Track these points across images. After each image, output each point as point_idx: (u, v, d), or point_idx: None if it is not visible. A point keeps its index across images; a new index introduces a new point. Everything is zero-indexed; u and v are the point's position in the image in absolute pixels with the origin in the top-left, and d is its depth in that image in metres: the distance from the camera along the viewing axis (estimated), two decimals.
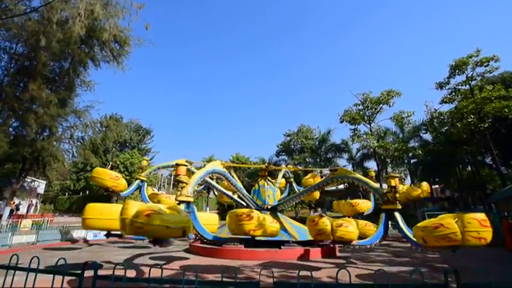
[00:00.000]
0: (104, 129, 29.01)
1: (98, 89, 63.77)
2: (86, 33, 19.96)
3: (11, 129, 20.47)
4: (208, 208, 37.68)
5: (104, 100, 66.40)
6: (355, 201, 14.06)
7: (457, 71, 24.09)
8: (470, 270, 7.21)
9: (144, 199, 12.22)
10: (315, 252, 11.27)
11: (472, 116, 22.24)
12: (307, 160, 32.68)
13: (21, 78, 20.21)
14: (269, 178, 16.41)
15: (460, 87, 24.74)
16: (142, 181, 12.96)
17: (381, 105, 28.44)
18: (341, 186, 39.85)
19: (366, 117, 29.29)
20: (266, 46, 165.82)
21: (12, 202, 21.06)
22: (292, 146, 35.38)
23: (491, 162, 28.48)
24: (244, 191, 13.76)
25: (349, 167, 32.60)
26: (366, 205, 13.82)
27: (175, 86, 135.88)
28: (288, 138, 36.04)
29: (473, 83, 23.93)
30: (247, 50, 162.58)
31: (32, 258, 3.01)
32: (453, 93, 25.30)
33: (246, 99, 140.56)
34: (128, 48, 22.64)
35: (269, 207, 13.94)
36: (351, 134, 29.77)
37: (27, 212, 26.50)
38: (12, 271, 2.98)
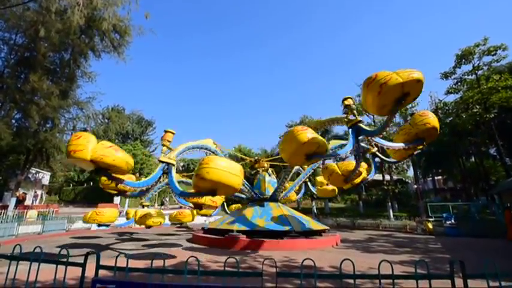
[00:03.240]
0: (106, 121, 29.03)
1: (99, 80, 63.38)
2: (86, 23, 19.67)
3: (13, 120, 20.51)
4: None
5: (105, 91, 66.12)
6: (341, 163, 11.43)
7: (463, 60, 23.59)
8: (472, 261, 7.21)
9: (174, 190, 8.62)
10: (317, 243, 11.35)
11: (478, 107, 21.92)
12: None
13: (22, 69, 20.09)
14: (269, 170, 16.51)
15: (466, 77, 24.29)
16: (168, 164, 9.02)
17: None
18: None
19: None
20: (270, 39, 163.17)
21: (22, 193, 21.35)
22: None
23: (495, 153, 28.23)
24: None
25: (351, 158, 32.38)
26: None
27: (178, 78, 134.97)
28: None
29: (479, 72, 23.46)
30: (251, 43, 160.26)
31: (35, 248, 3.01)
32: (459, 83, 24.87)
33: (250, 91, 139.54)
34: (128, 38, 22.34)
35: (269, 197, 14.05)
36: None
37: (21, 202, 26.57)
38: (21, 261, 3.00)
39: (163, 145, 9.45)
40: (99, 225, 11.17)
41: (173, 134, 9.62)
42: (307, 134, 7.28)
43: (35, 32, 18.01)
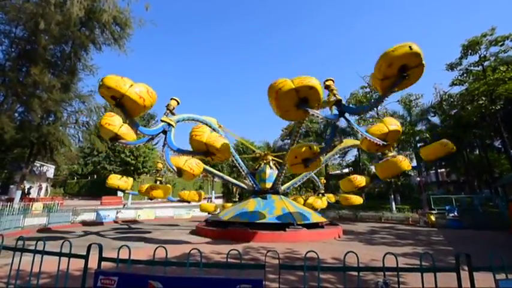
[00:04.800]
0: None
1: (101, 73, 62.65)
2: (85, 15, 19.44)
3: (16, 114, 20.57)
4: (213, 192, 38.26)
5: None
6: (352, 176, 12.79)
7: (469, 51, 23.08)
8: (475, 254, 7.19)
9: (171, 146, 9.02)
10: (320, 235, 11.40)
11: (484, 98, 21.55)
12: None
13: (23, 62, 20.00)
14: (274, 163, 16.59)
15: (472, 68, 23.82)
16: (169, 125, 9.41)
17: None
18: (345, 170, 39.94)
19: (372, 100, 28.67)
20: (275, 31, 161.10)
21: (22, 185, 21.60)
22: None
23: (500, 146, 27.92)
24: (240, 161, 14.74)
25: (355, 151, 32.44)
26: (362, 180, 12.35)
27: (180, 71, 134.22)
28: (293, 121, 35.69)
29: (486, 63, 22.99)
30: (255, 36, 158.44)
31: (37, 241, 3.02)
32: (464, 75, 24.42)
33: (252, 84, 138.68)
34: (129, 30, 22.09)
35: (274, 190, 14.10)
36: (357, 118, 29.27)
37: (22, 195, 26.53)
38: (25, 253, 3.01)
39: (167, 109, 10.25)
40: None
41: (178, 102, 10.51)
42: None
43: (35, 25, 17.85)
